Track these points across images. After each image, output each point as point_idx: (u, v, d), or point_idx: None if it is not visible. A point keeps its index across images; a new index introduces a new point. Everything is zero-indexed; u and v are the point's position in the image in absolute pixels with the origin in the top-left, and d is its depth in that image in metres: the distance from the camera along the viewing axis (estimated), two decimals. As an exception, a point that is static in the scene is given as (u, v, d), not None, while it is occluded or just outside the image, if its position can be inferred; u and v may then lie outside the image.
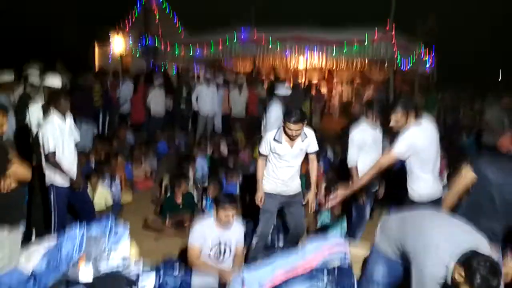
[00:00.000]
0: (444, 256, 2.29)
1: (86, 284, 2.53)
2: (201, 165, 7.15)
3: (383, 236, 2.82)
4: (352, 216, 4.75)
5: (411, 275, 2.44)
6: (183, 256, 4.25)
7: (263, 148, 4.06)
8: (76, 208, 4.67)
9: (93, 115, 7.94)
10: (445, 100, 10.99)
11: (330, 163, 7.56)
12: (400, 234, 2.68)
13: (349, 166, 4.48)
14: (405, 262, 2.63)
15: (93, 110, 8.13)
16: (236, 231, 3.65)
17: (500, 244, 2.94)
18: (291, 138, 3.84)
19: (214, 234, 3.57)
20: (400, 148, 3.62)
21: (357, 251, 3.98)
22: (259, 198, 4.05)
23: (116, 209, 5.82)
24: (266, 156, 4.07)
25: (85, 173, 5.26)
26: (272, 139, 3.93)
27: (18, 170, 3.11)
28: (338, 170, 6.56)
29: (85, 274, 2.54)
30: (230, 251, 3.64)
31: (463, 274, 2.19)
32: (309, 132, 3.98)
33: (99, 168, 6.13)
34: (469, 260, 2.18)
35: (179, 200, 5.48)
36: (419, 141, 3.63)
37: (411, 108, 3.68)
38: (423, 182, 3.72)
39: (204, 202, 5.57)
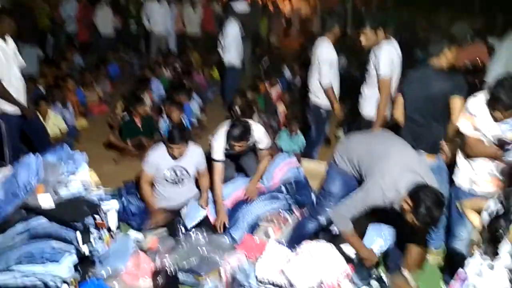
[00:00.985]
0: (397, 183, 2.48)
1: (47, 210, 2.52)
2: (156, 87, 6.96)
3: (342, 154, 2.94)
4: (310, 134, 4.87)
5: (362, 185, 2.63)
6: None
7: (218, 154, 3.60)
8: (30, 136, 4.49)
9: (37, 37, 7.39)
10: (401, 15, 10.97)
11: (288, 83, 7.57)
12: (357, 154, 2.82)
13: (325, 87, 4.43)
14: (360, 178, 2.80)
15: (37, 32, 7.56)
16: (193, 156, 3.55)
17: None
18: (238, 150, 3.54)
19: (168, 163, 3.49)
20: (386, 68, 3.66)
21: (315, 167, 4.16)
22: (221, 222, 3.50)
23: (72, 135, 5.66)
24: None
25: (34, 100, 5.00)
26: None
27: None
28: (297, 90, 6.61)
29: (45, 200, 2.51)
30: (189, 175, 3.59)
31: (410, 203, 2.40)
32: (257, 128, 3.66)
33: (48, 93, 5.83)
34: (417, 192, 2.38)
35: (138, 123, 5.39)
36: (395, 58, 3.67)
37: (379, 24, 3.63)
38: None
39: (162, 125, 5.49)
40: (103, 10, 8.88)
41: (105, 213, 2.87)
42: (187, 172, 3.56)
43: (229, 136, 3.42)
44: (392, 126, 3.50)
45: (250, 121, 3.63)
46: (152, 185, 3.58)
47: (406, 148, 2.79)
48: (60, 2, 8.99)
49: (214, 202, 3.62)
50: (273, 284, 2.79)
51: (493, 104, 2.59)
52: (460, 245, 2.93)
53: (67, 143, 3.52)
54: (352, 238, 2.75)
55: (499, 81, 2.62)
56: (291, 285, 2.78)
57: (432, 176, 2.61)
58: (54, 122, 5.35)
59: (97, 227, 2.75)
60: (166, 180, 3.56)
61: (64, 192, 2.63)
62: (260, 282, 2.80)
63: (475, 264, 2.13)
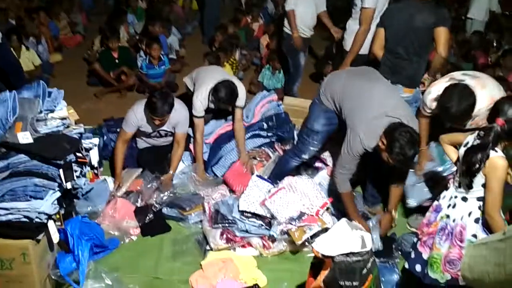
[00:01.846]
0: (375, 131, 2.49)
1: (27, 147, 2.47)
2: (132, 20, 6.69)
3: (325, 91, 2.92)
4: (288, 69, 4.81)
5: (345, 135, 2.66)
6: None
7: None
8: (3, 71, 4.31)
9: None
10: None
11: (271, 17, 7.34)
12: (339, 93, 2.81)
13: (287, 11, 4.41)
14: (341, 115, 2.81)
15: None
16: (175, 117, 3.32)
17: None
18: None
19: (149, 125, 3.34)
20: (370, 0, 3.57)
21: (297, 103, 4.16)
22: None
23: (47, 69, 5.49)
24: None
25: (6, 34, 4.74)
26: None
27: None
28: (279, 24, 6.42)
29: (24, 136, 2.46)
30: (172, 133, 3.46)
31: (385, 142, 2.43)
32: (240, 88, 3.47)
33: (20, 27, 5.55)
34: (392, 131, 2.40)
35: (115, 54, 5.24)
36: None
37: None
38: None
39: (140, 60, 5.31)
40: None
41: (86, 150, 2.84)
42: (171, 132, 3.46)
43: (216, 98, 3.33)
44: (371, 61, 3.49)
45: (235, 81, 3.50)
46: (127, 143, 3.39)
47: (387, 89, 2.78)
48: None
49: (195, 159, 3.58)
50: (255, 216, 2.88)
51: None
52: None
53: (42, 79, 3.38)
54: (348, 202, 2.81)
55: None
56: (272, 216, 2.88)
57: (410, 115, 2.63)
58: (28, 56, 5.14)
59: (80, 163, 2.73)
60: (149, 136, 3.48)
61: (43, 128, 2.57)
62: (243, 214, 2.88)
63: (450, 196, 2.23)
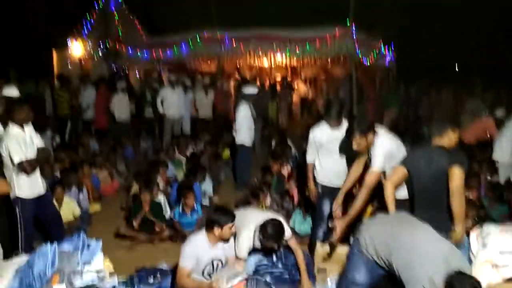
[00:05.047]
0: (430, 273, 2.44)
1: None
2: (170, 170, 7.08)
3: (364, 239, 2.89)
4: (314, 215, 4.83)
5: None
6: (157, 263, 4.24)
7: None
8: (44, 221, 4.53)
9: (56, 123, 7.74)
10: (406, 93, 11.39)
11: (297, 163, 7.66)
12: (382, 243, 2.77)
13: (307, 162, 4.59)
14: (385, 265, 2.73)
15: (46, 118, 7.93)
16: (232, 244, 3.49)
17: None
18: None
19: (208, 253, 3.41)
20: (379, 162, 3.68)
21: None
22: None
23: (85, 219, 5.68)
24: None
25: (50, 185, 5.10)
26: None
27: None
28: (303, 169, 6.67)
29: (59, 290, 2.48)
30: (222, 264, 3.50)
31: None
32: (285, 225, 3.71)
33: (64, 178, 5.95)
34: (453, 281, 2.34)
35: (146, 208, 5.35)
36: (391, 145, 3.75)
37: (367, 129, 3.75)
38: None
39: (174, 209, 5.48)
40: (119, 97, 9.20)
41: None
42: (222, 264, 3.49)
43: (265, 236, 3.44)
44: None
45: (280, 219, 3.63)
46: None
47: (434, 237, 2.73)
48: (80, 91, 9.49)
49: None
50: None
51: None
52: None
53: (80, 229, 3.52)
54: None
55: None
56: None
57: (463, 260, 2.57)
58: (68, 207, 5.40)
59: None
60: (202, 274, 3.48)
61: (79, 281, 2.60)
62: None
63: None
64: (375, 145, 3.72)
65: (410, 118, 10.90)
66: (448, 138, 3.33)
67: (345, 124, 4.35)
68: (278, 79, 13.90)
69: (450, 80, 12.60)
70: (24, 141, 4.23)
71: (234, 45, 11.18)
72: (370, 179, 3.70)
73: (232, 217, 3.35)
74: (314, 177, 4.55)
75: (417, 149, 3.63)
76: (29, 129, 4.36)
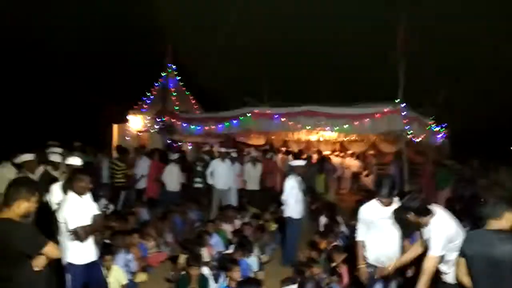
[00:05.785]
0: None
1: None
2: (216, 242, 7.06)
3: None
4: None
5: None
6: None
7: None
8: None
9: (111, 192, 8.08)
10: (461, 171, 10.98)
11: (347, 238, 7.41)
12: None
13: (356, 240, 4.50)
14: None
15: (102, 187, 8.29)
16: None
17: None
18: None
19: None
20: (438, 248, 3.59)
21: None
22: None
23: (131, 289, 5.69)
24: None
25: (100, 253, 5.22)
26: None
27: (51, 249, 3.26)
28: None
29: None
30: None
31: None
32: None
33: (113, 241, 6.07)
34: None
35: (193, 283, 5.32)
36: (451, 230, 3.62)
37: (424, 211, 3.68)
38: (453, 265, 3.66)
39: (219, 282, 5.38)
40: (171, 168, 9.58)
41: None
42: None
43: None
44: None
45: None
46: None
47: None
48: (135, 162, 9.96)
49: None
50: None
51: None
52: None
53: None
54: None
55: None
56: None
57: None
58: (116, 276, 5.45)
59: None
60: None
61: None
62: None
63: None
64: (434, 229, 3.61)
65: (465, 198, 10.39)
66: (506, 221, 3.13)
67: (396, 202, 4.23)
68: (327, 152, 13.95)
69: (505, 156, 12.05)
70: (81, 209, 4.44)
71: (283, 120, 11.45)
72: (429, 265, 3.58)
73: None
74: (364, 257, 4.39)
75: (473, 233, 3.42)
76: (87, 197, 4.58)
